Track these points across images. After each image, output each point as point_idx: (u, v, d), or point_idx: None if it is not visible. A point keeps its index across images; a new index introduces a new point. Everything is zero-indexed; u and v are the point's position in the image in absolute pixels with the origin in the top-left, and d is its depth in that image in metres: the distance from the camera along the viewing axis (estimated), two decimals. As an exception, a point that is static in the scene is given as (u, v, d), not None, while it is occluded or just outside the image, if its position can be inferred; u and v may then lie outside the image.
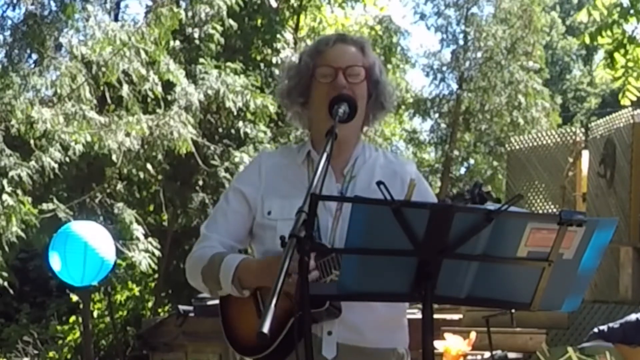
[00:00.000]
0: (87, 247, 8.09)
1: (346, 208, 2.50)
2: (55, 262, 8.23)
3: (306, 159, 2.71)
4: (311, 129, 2.77)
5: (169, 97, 10.76)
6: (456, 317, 7.93)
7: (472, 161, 21.21)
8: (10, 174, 9.29)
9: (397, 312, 2.68)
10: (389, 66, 16.05)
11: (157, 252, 10.55)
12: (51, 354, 13.81)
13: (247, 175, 2.79)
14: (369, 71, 2.67)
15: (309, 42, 14.54)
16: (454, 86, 20.31)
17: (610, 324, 5.13)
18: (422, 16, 20.81)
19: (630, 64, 7.77)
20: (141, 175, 11.37)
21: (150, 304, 14.09)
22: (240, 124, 11.84)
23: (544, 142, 10.51)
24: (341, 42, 2.69)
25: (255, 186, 2.69)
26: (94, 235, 8.28)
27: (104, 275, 8.77)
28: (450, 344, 6.26)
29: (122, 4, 12.75)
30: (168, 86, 10.73)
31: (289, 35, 13.43)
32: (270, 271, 2.33)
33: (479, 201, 2.15)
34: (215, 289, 2.63)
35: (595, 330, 5.16)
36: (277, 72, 12.90)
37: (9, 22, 10.57)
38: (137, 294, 14.49)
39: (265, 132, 11.97)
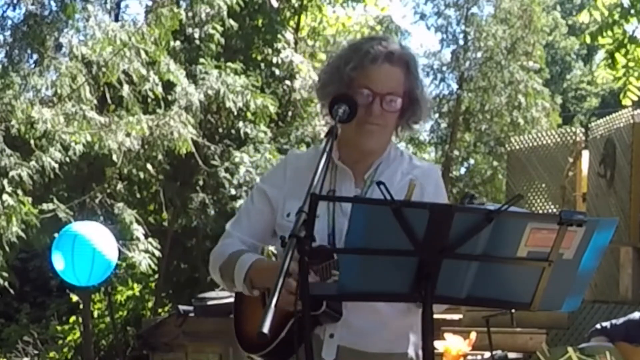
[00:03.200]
0: (90, 248, 8.08)
1: None
2: (58, 262, 8.22)
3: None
4: (338, 134, 2.77)
5: (169, 97, 10.76)
6: (456, 317, 7.92)
7: (472, 161, 21.16)
8: (11, 174, 9.28)
9: (407, 316, 2.64)
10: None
11: (157, 252, 10.53)
12: (51, 354, 13.81)
13: (272, 175, 2.87)
14: (407, 95, 2.67)
15: (309, 42, 14.57)
16: (454, 86, 20.28)
17: (613, 321, 5.09)
18: (422, 16, 20.78)
19: (631, 64, 7.78)
20: (141, 175, 11.37)
21: (150, 304, 14.08)
22: (241, 124, 11.83)
23: (544, 142, 10.51)
24: (388, 63, 2.64)
25: (278, 187, 2.74)
26: (97, 236, 8.27)
27: (108, 275, 8.77)
28: (450, 344, 6.26)
29: (122, 4, 12.73)
30: (168, 86, 10.72)
31: (289, 35, 13.42)
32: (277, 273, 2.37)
33: None
34: (231, 286, 2.69)
35: (598, 326, 5.13)
36: (277, 72, 12.90)
37: (9, 22, 10.56)
38: (137, 294, 14.49)
39: (265, 132, 11.95)
